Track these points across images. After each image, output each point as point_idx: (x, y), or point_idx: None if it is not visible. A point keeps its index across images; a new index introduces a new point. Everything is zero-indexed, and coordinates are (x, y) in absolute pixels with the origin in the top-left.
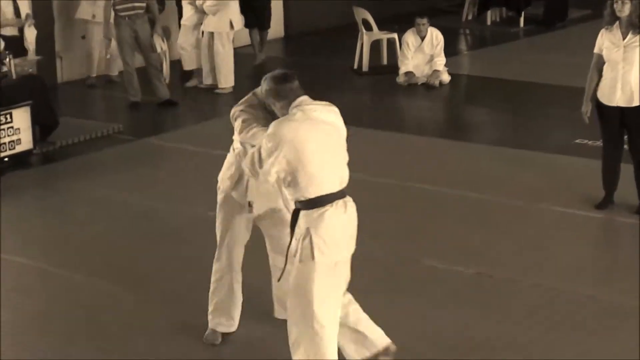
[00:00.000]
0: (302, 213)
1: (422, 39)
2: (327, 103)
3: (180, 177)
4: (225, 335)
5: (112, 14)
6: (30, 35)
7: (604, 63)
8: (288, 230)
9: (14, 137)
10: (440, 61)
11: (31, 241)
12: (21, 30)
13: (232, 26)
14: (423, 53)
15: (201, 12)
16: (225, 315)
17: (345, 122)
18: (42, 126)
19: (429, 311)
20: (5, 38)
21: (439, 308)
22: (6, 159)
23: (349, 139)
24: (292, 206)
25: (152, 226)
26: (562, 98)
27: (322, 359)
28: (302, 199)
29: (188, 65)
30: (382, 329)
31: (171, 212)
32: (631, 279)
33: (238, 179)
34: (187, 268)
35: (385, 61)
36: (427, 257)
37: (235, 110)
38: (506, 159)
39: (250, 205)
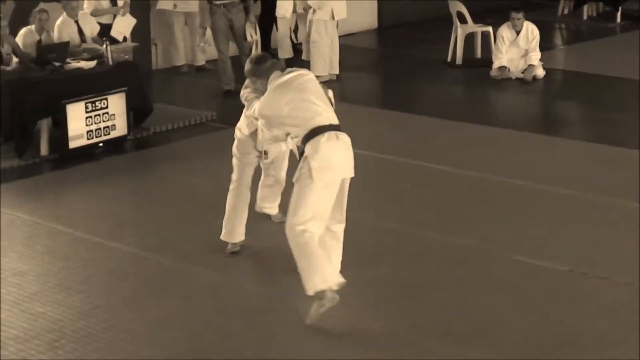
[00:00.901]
0: (305, 149)
1: (517, 33)
2: (298, 70)
3: None
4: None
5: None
6: (120, 23)
7: None
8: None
9: (109, 123)
10: (535, 56)
11: (126, 226)
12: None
13: (332, 16)
14: (518, 47)
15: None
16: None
17: (436, 115)
18: (136, 112)
19: (519, 307)
20: (102, 25)
21: (529, 304)
22: (101, 144)
23: (440, 132)
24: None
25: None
26: None
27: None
28: (301, 137)
29: (282, 54)
30: (470, 323)
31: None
32: None
33: (254, 132)
34: (276, 256)
35: (479, 54)
36: (519, 253)
37: (243, 92)
38: (598, 155)
39: (265, 153)
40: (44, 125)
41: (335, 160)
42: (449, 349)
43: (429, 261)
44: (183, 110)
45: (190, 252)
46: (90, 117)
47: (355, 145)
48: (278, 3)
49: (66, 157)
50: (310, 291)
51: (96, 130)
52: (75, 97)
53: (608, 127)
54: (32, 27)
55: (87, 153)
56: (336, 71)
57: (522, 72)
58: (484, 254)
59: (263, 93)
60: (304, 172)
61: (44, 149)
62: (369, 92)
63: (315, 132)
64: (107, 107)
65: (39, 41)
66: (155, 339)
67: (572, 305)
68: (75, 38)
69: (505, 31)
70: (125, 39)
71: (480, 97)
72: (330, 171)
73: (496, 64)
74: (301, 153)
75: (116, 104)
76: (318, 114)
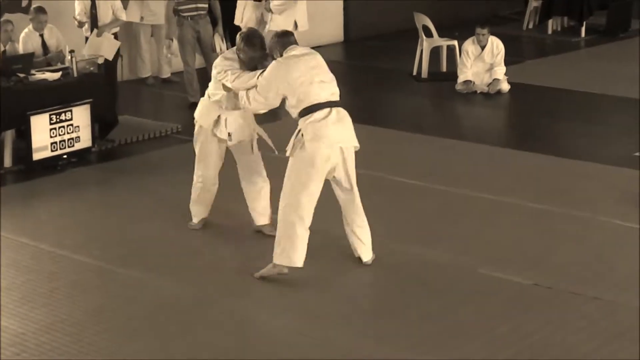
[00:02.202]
0: (299, 122)
1: (482, 48)
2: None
3: (238, 179)
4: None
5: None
6: (104, 43)
7: None
8: (255, 157)
9: (74, 135)
10: (500, 70)
11: (91, 238)
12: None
13: (296, 26)
14: (483, 62)
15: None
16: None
17: (403, 128)
18: (101, 124)
19: (485, 321)
20: None
21: (495, 318)
22: (65, 156)
23: (408, 145)
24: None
25: (209, 225)
26: (622, 109)
27: (292, 254)
28: (299, 110)
29: None
30: (437, 338)
31: (229, 211)
32: None
33: (217, 119)
34: (246, 265)
35: (444, 68)
36: (485, 266)
37: (220, 64)
38: (565, 169)
39: (229, 135)
40: (8, 136)
41: (328, 131)
42: None
43: (394, 274)
44: (148, 122)
45: (156, 264)
46: (55, 128)
47: None
48: (237, 11)
49: (30, 169)
50: (277, 261)
51: (60, 142)
52: (39, 108)
53: (572, 141)
54: None
55: (52, 165)
56: None
57: (487, 86)
58: (452, 267)
59: (242, 66)
60: (296, 143)
61: (7, 161)
62: None
63: (313, 108)
64: (71, 119)
65: (4, 52)
66: (121, 353)
67: (538, 319)
68: (38, 50)
69: (470, 46)
70: (105, 60)
71: (447, 111)
72: (324, 141)
73: (461, 77)
74: (298, 131)
75: (81, 115)
76: (321, 90)
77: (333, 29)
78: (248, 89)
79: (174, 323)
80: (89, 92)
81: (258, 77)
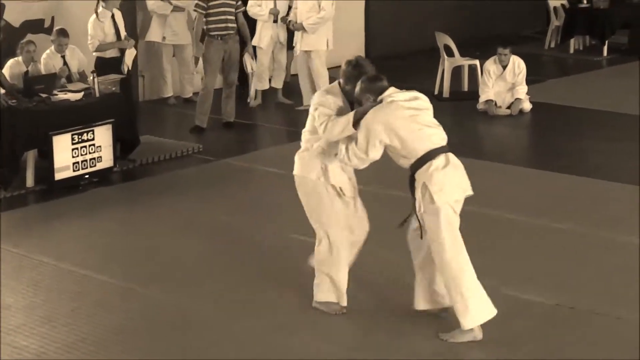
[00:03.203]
0: (417, 174)
1: (504, 67)
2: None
3: (260, 199)
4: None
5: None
6: (130, 56)
7: None
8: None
9: (96, 155)
10: (522, 89)
11: (113, 258)
12: (122, 51)
13: (327, 45)
14: (505, 81)
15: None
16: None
17: None
18: (123, 144)
19: (509, 340)
20: (104, 60)
21: (519, 338)
22: (87, 176)
23: None
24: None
25: (233, 244)
26: None
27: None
28: (413, 161)
29: (262, 85)
30: (456, 356)
31: (253, 232)
32: None
33: (324, 169)
34: (267, 285)
35: (466, 87)
36: (507, 287)
37: (319, 101)
38: (587, 188)
39: (341, 189)
40: (30, 156)
41: (454, 180)
42: None
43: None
44: (170, 142)
45: (179, 284)
46: (77, 148)
47: None
48: (257, 33)
49: (52, 189)
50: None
51: (82, 162)
52: (61, 128)
53: (593, 160)
54: (19, 58)
55: (73, 185)
56: None
57: (509, 106)
58: None
59: (346, 109)
60: (424, 197)
61: (29, 181)
62: None
63: (428, 155)
64: (93, 139)
65: (26, 72)
66: None
67: (561, 340)
68: (63, 72)
69: (491, 66)
70: (128, 70)
71: (469, 130)
72: (454, 192)
73: (483, 97)
74: (411, 180)
75: (103, 135)
76: (433, 135)
77: (354, 48)
78: (347, 144)
79: (195, 343)
80: (111, 112)
81: (353, 125)
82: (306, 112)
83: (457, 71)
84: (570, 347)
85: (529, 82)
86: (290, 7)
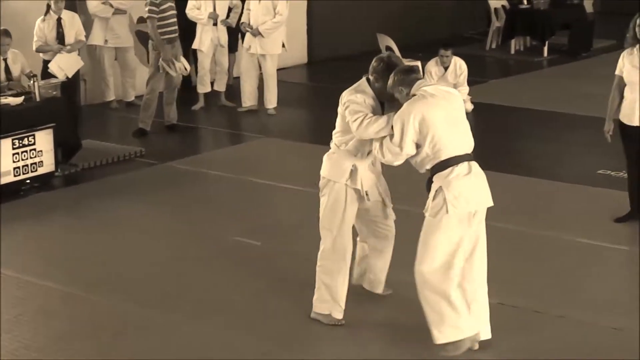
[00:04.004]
0: (435, 177)
1: (446, 68)
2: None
3: (203, 202)
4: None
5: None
6: (63, 60)
7: (624, 85)
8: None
9: (37, 159)
10: (464, 90)
11: (56, 264)
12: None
13: (283, 45)
14: (446, 82)
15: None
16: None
17: None
18: (65, 148)
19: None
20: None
21: None
22: (28, 181)
23: None
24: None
25: (177, 248)
26: (585, 128)
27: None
28: (435, 162)
29: (204, 88)
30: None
31: (196, 235)
32: None
33: (353, 171)
34: (213, 288)
35: None
36: None
37: (350, 99)
38: (529, 188)
39: (367, 194)
40: None
41: (469, 191)
42: None
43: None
44: (112, 146)
45: (123, 289)
46: (18, 153)
47: (290, 180)
48: (197, 36)
49: None
50: (439, 340)
51: (23, 166)
52: (2, 133)
53: (536, 160)
54: None
55: (15, 190)
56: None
57: None
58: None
59: (376, 108)
60: (437, 203)
61: None
62: (300, 127)
63: (451, 161)
64: (34, 144)
65: None
66: None
67: (504, 338)
68: (2, 75)
69: (433, 67)
70: (66, 77)
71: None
72: (466, 203)
73: None
74: (429, 182)
75: (43, 140)
76: (461, 140)
77: (297, 51)
78: (382, 140)
79: (140, 348)
80: (52, 116)
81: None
82: (248, 113)
83: None
84: (514, 345)
85: (470, 83)
86: (230, 9)
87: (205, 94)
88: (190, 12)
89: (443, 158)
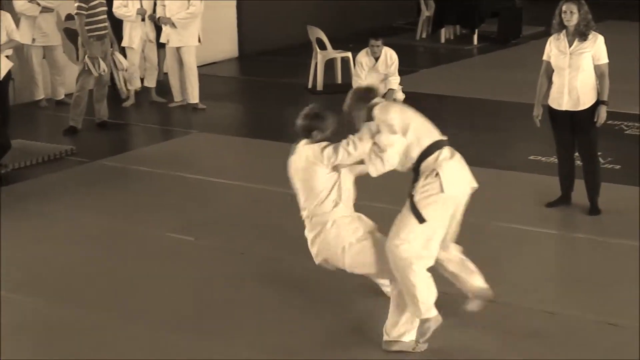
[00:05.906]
0: (424, 164)
1: (376, 59)
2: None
3: (135, 199)
4: None
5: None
6: None
7: (552, 70)
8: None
9: None
10: (395, 80)
11: None
12: None
13: (199, 40)
14: (377, 72)
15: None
16: None
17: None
18: None
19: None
20: None
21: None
22: None
23: None
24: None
25: (110, 247)
26: (515, 115)
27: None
28: (421, 151)
29: (134, 85)
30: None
31: (129, 233)
32: (587, 295)
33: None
34: (147, 287)
35: (339, 80)
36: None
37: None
38: None
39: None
40: None
41: (463, 172)
42: None
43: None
44: (42, 145)
45: (52, 291)
46: None
47: (223, 175)
48: (126, 34)
49: None
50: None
51: None
52: None
53: (466, 147)
54: None
55: None
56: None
57: (383, 96)
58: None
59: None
60: (430, 184)
61: None
62: (232, 121)
63: (434, 146)
64: None
65: None
66: None
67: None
68: None
69: (363, 57)
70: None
71: (342, 122)
72: (463, 184)
73: None
74: (415, 171)
75: None
76: (433, 129)
77: (227, 45)
78: (370, 156)
79: (66, 349)
80: None
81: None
82: (179, 108)
83: (330, 64)
84: (448, 330)
85: (401, 72)
86: (155, 4)
87: (136, 91)
88: (118, 10)
89: (426, 144)
